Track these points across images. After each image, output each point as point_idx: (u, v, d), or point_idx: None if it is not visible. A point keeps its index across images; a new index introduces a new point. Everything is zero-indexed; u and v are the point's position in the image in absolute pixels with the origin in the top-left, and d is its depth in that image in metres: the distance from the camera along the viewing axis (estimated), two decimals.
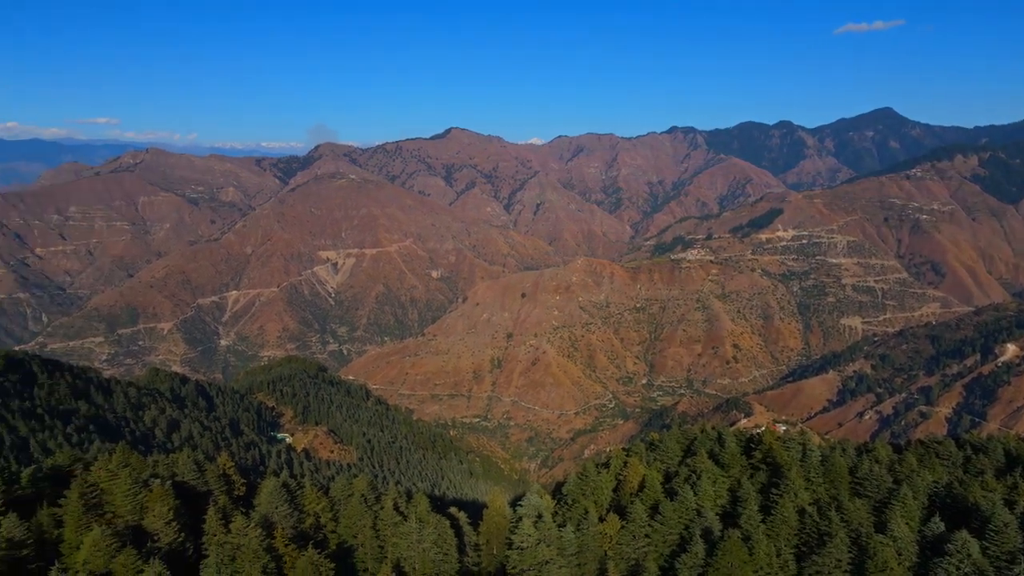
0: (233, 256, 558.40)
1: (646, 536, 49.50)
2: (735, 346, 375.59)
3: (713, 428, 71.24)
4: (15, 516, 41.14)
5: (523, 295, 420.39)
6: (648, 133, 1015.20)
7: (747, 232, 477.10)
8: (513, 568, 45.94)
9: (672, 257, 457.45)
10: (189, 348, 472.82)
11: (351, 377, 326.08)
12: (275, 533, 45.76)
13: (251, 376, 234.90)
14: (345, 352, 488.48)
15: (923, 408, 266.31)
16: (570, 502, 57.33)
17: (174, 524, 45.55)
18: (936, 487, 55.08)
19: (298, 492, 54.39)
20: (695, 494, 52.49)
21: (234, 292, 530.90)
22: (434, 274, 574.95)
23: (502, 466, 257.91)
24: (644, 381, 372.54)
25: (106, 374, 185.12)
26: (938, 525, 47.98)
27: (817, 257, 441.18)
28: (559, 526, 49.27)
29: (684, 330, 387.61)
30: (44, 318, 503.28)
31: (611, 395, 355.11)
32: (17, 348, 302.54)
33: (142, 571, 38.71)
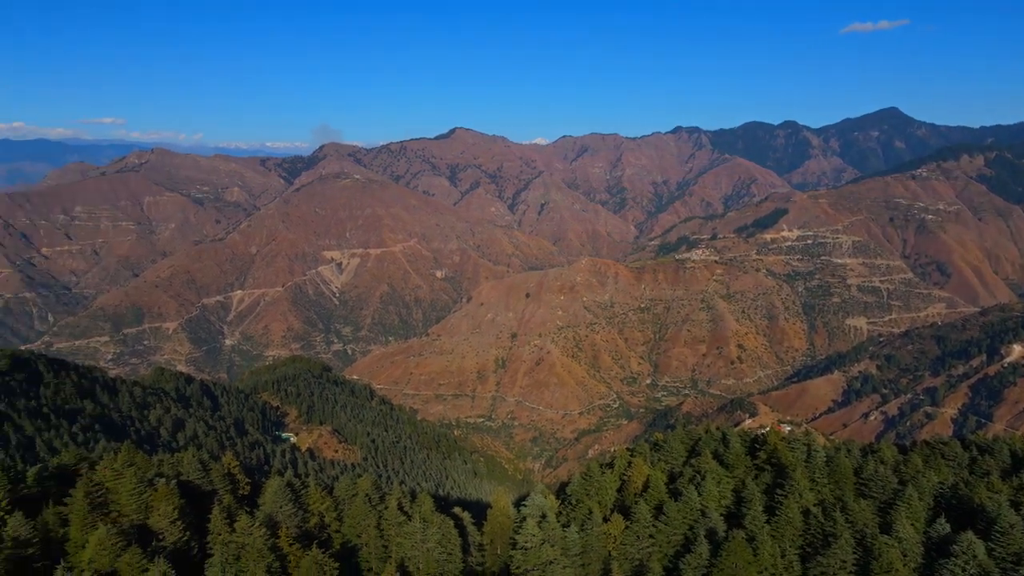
0: (238, 256, 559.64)
1: (650, 536, 49.46)
2: (740, 346, 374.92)
3: (717, 428, 71.13)
4: (21, 515, 41.29)
5: (527, 295, 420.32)
6: (653, 133, 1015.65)
7: (752, 232, 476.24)
8: (517, 568, 45.93)
9: (676, 257, 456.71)
10: (194, 348, 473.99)
11: (355, 377, 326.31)
12: (279, 532, 45.83)
13: (256, 376, 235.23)
14: (349, 352, 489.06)
15: (928, 409, 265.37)
16: (574, 502, 57.30)
17: (179, 523, 45.66)
18: (941, 488, 54.92)
19: (302, 492, 54.48)
20: (699, 494, 52.42)
21: (239, 292, 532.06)
22: (438, 274, 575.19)
23: (506, 466, 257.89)
24: (648, 381, 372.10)
25: (111, 373, 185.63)
26: (943, 526, 47.83)
27: (822, 257, 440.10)
28: (563, 526, 49.27)
29: (688, 330, 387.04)
30: (50, 318, 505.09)
31: (615, 395, 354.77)
32: (23, 347, 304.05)
33: (147, 570, 38.81)
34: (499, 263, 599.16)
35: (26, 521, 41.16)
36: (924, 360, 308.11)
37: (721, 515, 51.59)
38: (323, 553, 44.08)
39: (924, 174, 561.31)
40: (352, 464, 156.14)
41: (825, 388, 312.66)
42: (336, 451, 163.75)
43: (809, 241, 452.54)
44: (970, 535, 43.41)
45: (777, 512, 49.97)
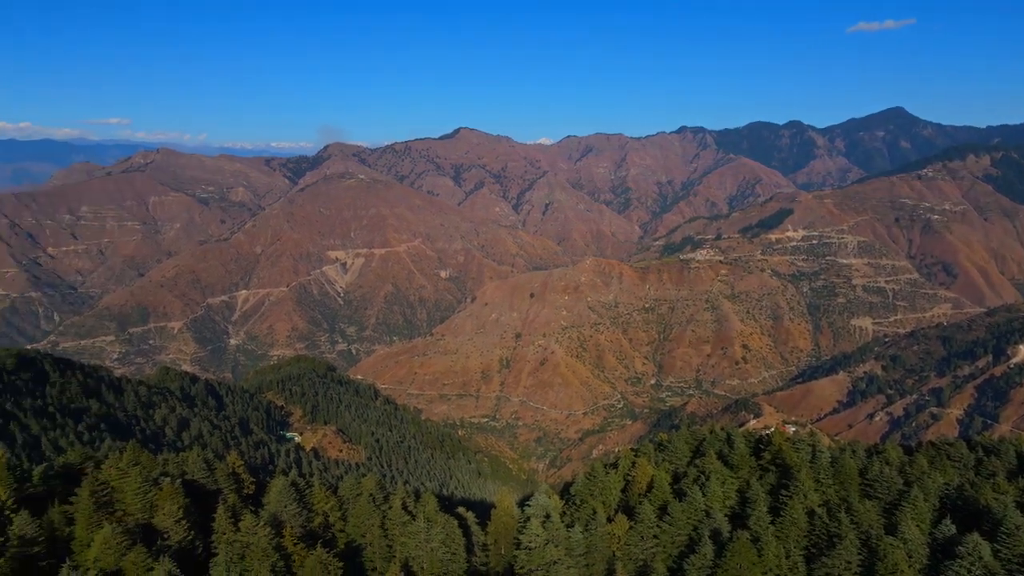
0: (243, 256, 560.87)
1: (654, 537, 49.41)
2: (744, 347, 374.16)
3: (722, 429, 71.03)
4: (27, 513, 41.42)
5: (532, 295, 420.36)
6: (657, 133, 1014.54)
7: (757, 232, 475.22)
8: (521, 568, 45.93)
9: (681, 257, 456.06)
10: (199, 347, 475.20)
11: (360, 377, 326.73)
12: (284, 532, 45.91)
13: (260, 375, 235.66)
14: (354, 352, 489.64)
15: (934, 410, 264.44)
16: (578, 502, 57.28)
17: (184, 522, 45.77)
18: (947, 489, 54.73)
19: (307, 491, 54.56)
20: (704, 495, 52.35)
21: (244, 292, 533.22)
22: (443, 274, 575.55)
23: (510, 466, 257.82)
24: (653, 381, 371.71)
25: (117, 373, 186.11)
26: (949, 527, 47.65)
27: (827, 257, 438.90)
28: (567, 526, 49.25)
29: (693, 330, 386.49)
30: (56, 317, 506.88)
31: (620, 395, 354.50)
32: (29, 347, 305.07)
33: (152, 569, 38.91)
34: (503, 263, 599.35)
35: (32, 520, 41.30)
36: (930, 361, 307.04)
37: (725, 516, 51.49)
38: (327, 553, 44.14)
39: (930, 174, 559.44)
40: (356, 464, 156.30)
41: (830, 389, 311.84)
42: (340, 451, 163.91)
43: (814, 241, 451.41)
44: (976, 536, 43.24)
45: (782, 513, 49.86)
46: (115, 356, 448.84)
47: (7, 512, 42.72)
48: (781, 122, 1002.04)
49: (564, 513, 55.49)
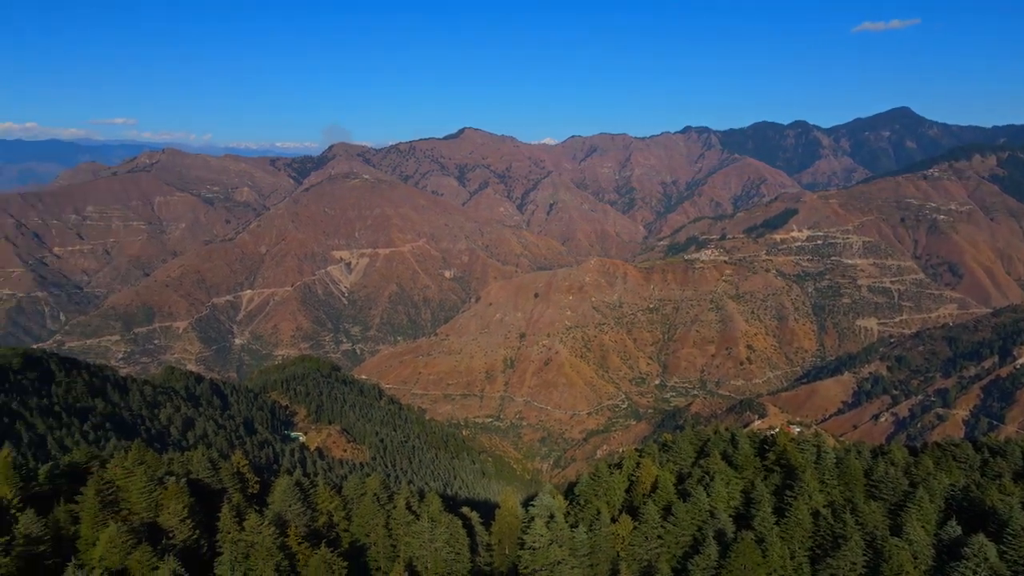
0: (247, 256, 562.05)
1: (659, 537, 49.36)
2: (749, 347, 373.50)
3: (727, 429, 70.94)
4: (33, 512, 41.55)
5: (536, 295, 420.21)
6: (662, 133, 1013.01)
7: (761, 232, 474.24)
8: (525, 568, 45.92)
9: (686, 257, 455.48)
10: (204, 347, 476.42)
11: (364, 376, 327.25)
12: (288, 531, 46.00)
13: (265, 375, 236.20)
14: (358, 351, 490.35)
15: (940, 410, 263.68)
16: (582, 502, 57.27)
17: (189, 521, 45.86)
18: (953, 490, 54.56)
19: (311, 491, 54.64)
20: (708, 495, 52.28)
21: (248, 291, 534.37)
22: (447, 274, 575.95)
23: (514, 466, 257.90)
24: (657, 382, 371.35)
25: (122, 372, 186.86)
26: (955, 529, 47.50)
27: (832, 258, 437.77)
28: (571, 526, 49.22)
29: (697, 331, 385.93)
30: (62, 317, 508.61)
31: (624, 396, 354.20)
32: (35, 346, 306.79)
33: (157, 568, 39.00)
34: (508, 263, 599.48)
35: (37, 518, 41.42)
36: (935, 361, 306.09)
37: (730, 516, 51.41)
38: (332, 552, 44.19)
39: (936, 174, 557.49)
40: (361, 463, 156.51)
41: (835, 389, 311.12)
42: (345, 450, 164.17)
43: (819, 241, 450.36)
44: (981, 538, 43.07)
45: (786, 514, 49.76)
46: (120, 356, 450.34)
47: (13, 511, 42.87)
48: (786, 122, 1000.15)
49: (568, 513, 55.48)
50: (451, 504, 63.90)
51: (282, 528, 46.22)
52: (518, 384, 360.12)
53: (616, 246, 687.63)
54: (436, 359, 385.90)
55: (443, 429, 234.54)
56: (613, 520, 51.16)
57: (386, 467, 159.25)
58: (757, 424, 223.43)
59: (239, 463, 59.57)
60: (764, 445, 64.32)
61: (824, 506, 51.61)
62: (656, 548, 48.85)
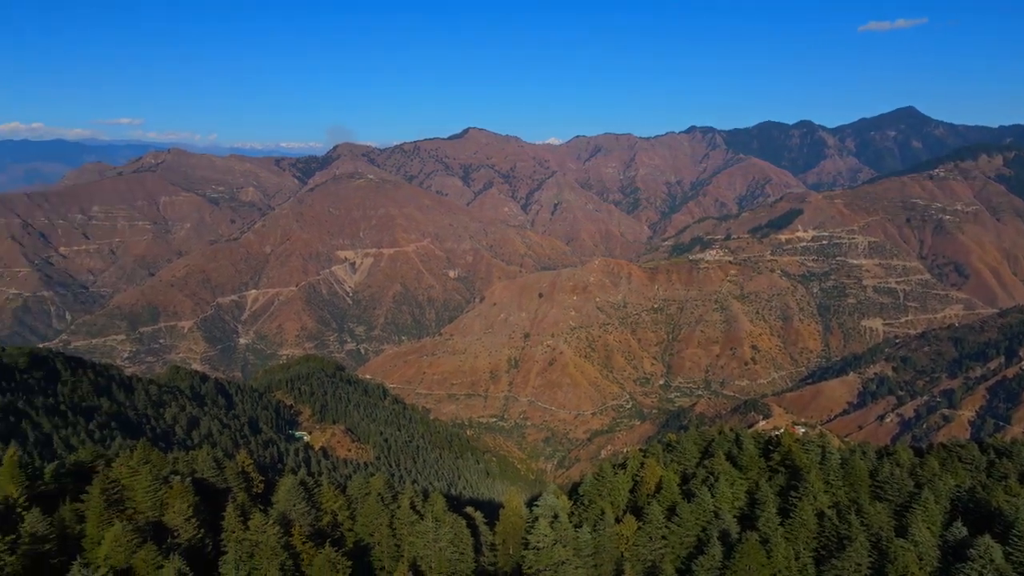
0: (252, 255, 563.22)
1: (663, 538, 49.31)
2: (754, 347, 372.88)
3: (731, 430, 70.80)
4: (38, 511, 41.72)
5: (540, 295, 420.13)
6: (666, 133, 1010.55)
7: (766, 232, 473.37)
8: (529, 568, 45.93)
9: (690, 258, 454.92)
10: (209, 346, 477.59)
11: (368, 376, 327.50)
12: (293, 531, 46.06)
13: (270, 374, 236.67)
14: (363, 351, 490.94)
15: (945, 411, 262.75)
16: (587, 503, 57.25)
17: (193, 520, 45.98)
18: (958, 491, 54.38)
19: (316, 490, 54.72)
20: (712, 496, 52.20)
21: (253, 291, 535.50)
22: (451, 274, 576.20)
23: (518, 466, 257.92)
24: (661, 382, 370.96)
25: (128, 372, 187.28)
26: (960, 530, 47.32)
27: (837, 258, 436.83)
28: (575, 527, 49.22)
29: (702, 331, 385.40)
30: (68, 316, 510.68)
31: (628, 396, 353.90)
32: (41, 345, 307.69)
33: (162, 567, 39.11)
34: (512, 263, 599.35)
35: (43, 517, 41.59)
36: (941, 362, 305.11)
37: (734, 517, 51.33)
38: (336, 551, 44.25)
39: (942, 174, 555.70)
40: (365, 463, 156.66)
41: (840, 390, 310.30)
42: (349, 450, 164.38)
43: (824, 242, 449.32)
44: (987, 539, 42.91)
45: (791, 514, 49.66)
46: (126, 355, 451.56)
47: (19, 510, 43.05)
48: (791, 122, 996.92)
49: (572, 513, 55.47)
50: (455, 504, 63.91)
51: (286, 527, 46.29)
52: (522, 384, 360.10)
53: (620, 246, 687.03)
54: (440, 359, 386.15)
55: (447, 429, 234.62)
56: (617, 520, 51.13)
57: (390, 467, 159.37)
58: (762, 424, 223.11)
59: (244, 462, 59.70)
60: (769, 446, 64.19)
61: (829, 507, 51.48)
62: (660, 549, 48.81)
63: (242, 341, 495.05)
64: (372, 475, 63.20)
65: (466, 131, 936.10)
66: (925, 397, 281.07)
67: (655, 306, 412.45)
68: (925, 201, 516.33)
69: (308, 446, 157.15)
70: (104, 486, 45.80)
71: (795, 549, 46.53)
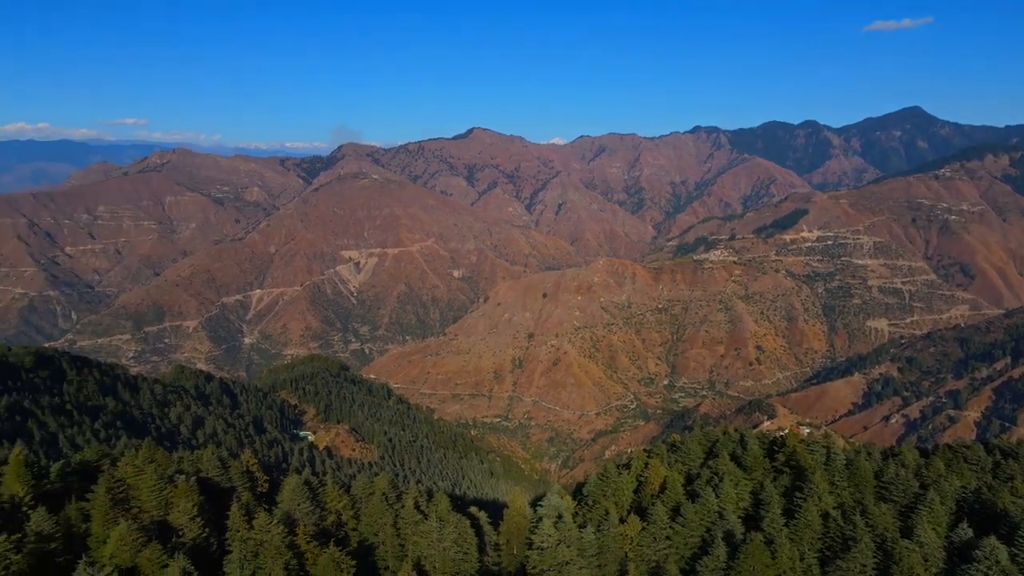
0: (257, 255, 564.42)
1: (667, 538, 49.22)
2: (758, 347, 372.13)
3: (735, 430, 70.67)
4: (44, 510, 41.86)
5: (544, 295, 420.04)
6: (671, 133, 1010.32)
7: (771, 233, 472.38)
8: (533, 568, 45.90)
9: (695, 258, 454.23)
10: (214, 346, 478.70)
11: (373, 376, 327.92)
12: (297, 530, 46.11)
13: (274, 374, 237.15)
14: (367, 351, 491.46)
15: (951, 412, 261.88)
16: (591, 503, 57.18)
17: (198, 520, 46.09)
18: (964, 492, 54.16)
19: (320, 490, 54.79)
20: (717, 496, 52.08)
21: (258, 291, 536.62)
22: (455, 274, 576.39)
23: (522, 466, 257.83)
24: (666, 382, 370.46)
25: (133, 371, 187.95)
26: (966, 531, 47.17)
27: (842, 258, 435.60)
28: (579, 527, 49.15)
29: (707, 331, 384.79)
30: (73, 316, 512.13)
31: (632, 396, 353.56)
32: (47, 345, 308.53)
33: (167, 566, 39.20)
34: (516, 263, 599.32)
35: (49, 516, 41.73)
36: (946, 363, 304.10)
37: (739, 517, 51.20)
38: (340, 551, 44.30)
39: (947, 174, 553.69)
40: (369, 463, 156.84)
41: (845, 390, 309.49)
42: (353, 450, 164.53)
43: (829, 242, 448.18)
44: (993, 540, 42.76)
45: (796, 515, 49.52)
46: (131, 354, 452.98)
47: (25, 508, 43.22)
48: (796, 122, 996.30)
49: (576, 513, 55.41)
50: (459, 504, 63.91)
51: (291, 527, 46.36)
52: (526, 384, 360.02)
53: (625, 246, 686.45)
54: (444, 359, 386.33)
55: (451, 429, 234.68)
56: (621, 521, 51.06)
57: (394, 466, 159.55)
58: (766, 425, 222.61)
59: (248, 462, 59.81)
60: (773, 446, 64.06)
61: (834, 508, 51.33)
62: (664, 549, 48.73)
63: (247, 341, 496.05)
64: (376, 475, 63.27)
65: (470, 131, 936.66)
66: (930, 398, 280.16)
67: (659, 306, 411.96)
68: (931, 201, 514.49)
69: (312, 446, 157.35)
70: (109, 485, 45.93)
71: (800, 550, 46.40)
